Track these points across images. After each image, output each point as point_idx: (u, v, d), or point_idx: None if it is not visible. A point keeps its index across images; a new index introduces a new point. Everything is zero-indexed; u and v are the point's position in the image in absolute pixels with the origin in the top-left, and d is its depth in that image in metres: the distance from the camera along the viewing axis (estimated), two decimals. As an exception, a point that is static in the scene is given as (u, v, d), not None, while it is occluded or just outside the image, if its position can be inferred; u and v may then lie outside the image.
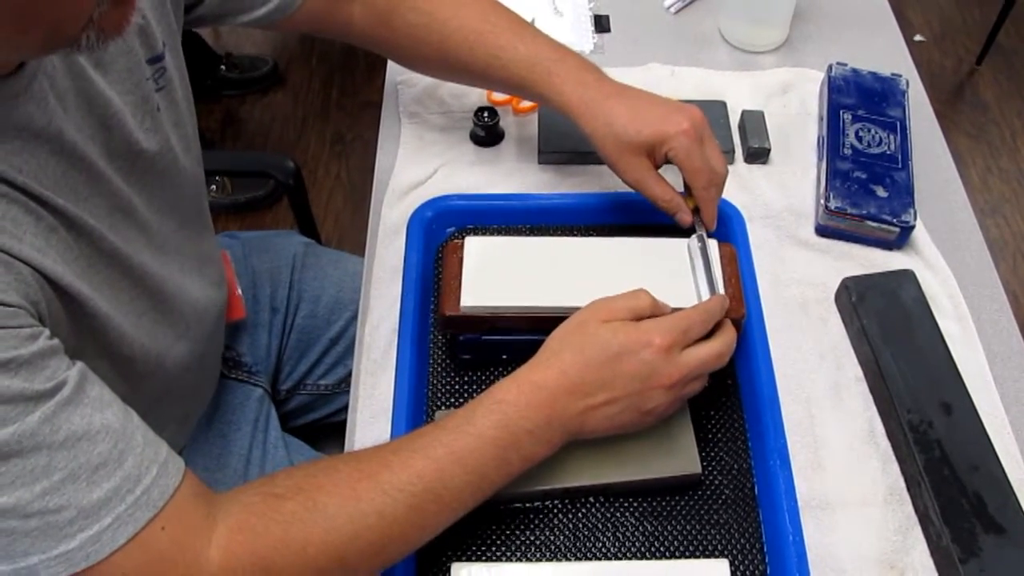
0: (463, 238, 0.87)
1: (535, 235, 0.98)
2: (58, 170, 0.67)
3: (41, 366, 0.61)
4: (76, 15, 0.57)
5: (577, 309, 0.78)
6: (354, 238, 2.12)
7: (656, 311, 0.77)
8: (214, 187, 2.16)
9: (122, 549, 0.62)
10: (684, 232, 0.88)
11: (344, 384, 1.19)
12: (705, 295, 0.82)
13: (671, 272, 0.85)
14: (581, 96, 0.89)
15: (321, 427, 1.22)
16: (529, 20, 1.22)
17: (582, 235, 0.98)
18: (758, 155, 1.06)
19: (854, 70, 1.10)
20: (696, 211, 0.89)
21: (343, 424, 0.89)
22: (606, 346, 0.73)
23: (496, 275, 0.85)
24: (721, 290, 0.83)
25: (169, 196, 0.84)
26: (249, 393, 1.10)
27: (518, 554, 0.79)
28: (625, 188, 0.98)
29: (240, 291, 1.11)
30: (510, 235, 0.98)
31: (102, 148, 0.73)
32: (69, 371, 0.63)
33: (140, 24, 0.77)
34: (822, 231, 1.00)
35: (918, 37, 2.61)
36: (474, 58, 0.94)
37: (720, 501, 0.81)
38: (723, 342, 0.77)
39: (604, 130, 0.88)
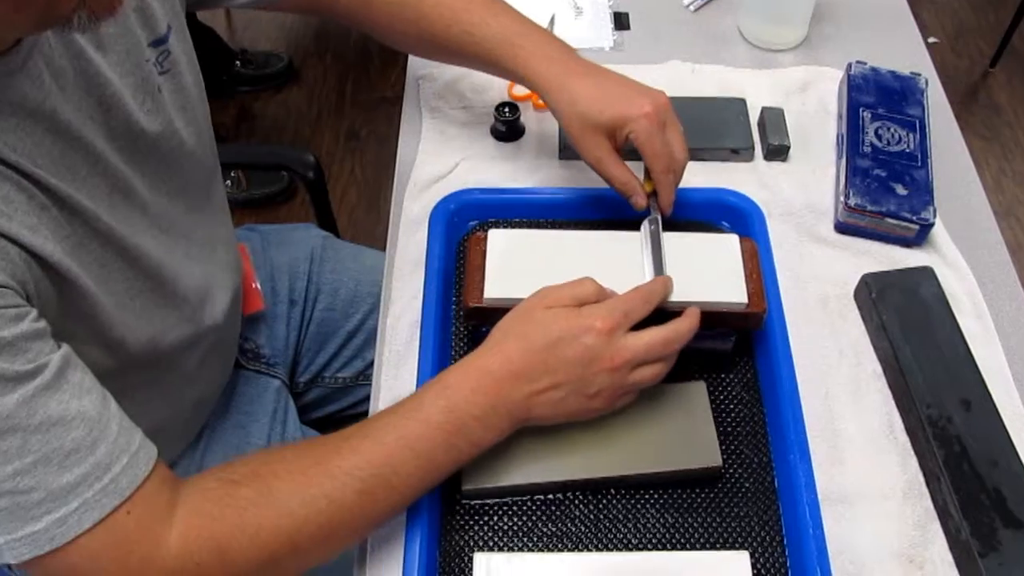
0: (486, 231, 0.88)
1: (556, 229, 0.98)
2: (54, 149, 0.68)
3: (23, 348, 0.61)
4: None
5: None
6: (369, 233, 2.13)
7: (601, 298, 0.78)
8: (229, 182, 2.16)
9: (87, 533, 0.63)
10: (709, 228, 0.89)
11: (362, 377, 1.20)
12: (651, 277, 0.83)
13: (690, 266, 0.85)
14: (548, 72, 0.91)
15: (339, 419, 1.22)
16: (549, 17, 1.23)
17: (603, 230, 0.98)
18: (778, 152, 1.07)
19: (874, 69, 1.11)
20: (654, 195, 0.90)
21: (361, 416, 0.89)
22: (548, 332, 0.75)
23: (519, 267, 0.85)
24: (667, 272, 0.83)
25: (176, 179, 0.84)
26: (267, 384, 1.11)
27: (539, 544, 0.80)
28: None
29: (259, 283, 1.12)
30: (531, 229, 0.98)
31: (102, 128, 0.73)
32: (52, 355, 0.63)
33: (139, 5, 0.78)
34: (842, 228, 1.01)
35: (932, 39, 2.61)
36: (449, 35, 0.95)
37: (740, 494, 0.82)
38: (672, 328, 0.78)
39: (569, 108, 0.89)
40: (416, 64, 1.17)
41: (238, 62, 2.45)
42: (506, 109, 1.07)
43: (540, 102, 1.12)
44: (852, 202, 0.98)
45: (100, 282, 0.73)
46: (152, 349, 0.82)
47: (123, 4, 0.62)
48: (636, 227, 0.97)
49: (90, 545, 0.64)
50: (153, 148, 0.80)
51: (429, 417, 0.73)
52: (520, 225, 0.99)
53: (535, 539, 0.80)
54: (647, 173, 0.90)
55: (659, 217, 0.89)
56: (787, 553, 0.79)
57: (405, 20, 0.97)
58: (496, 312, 0.84)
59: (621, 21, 1.24)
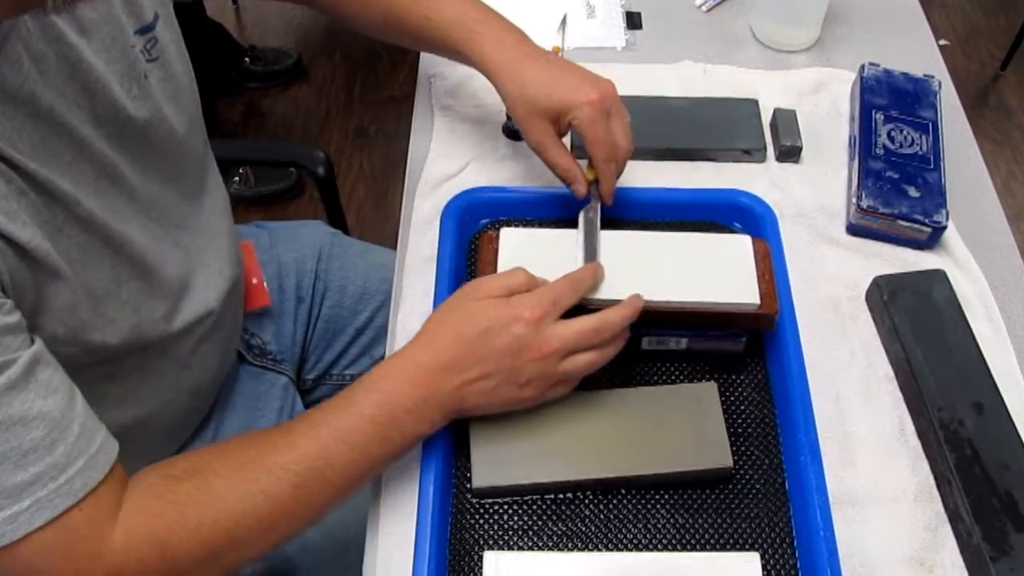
0: (498, 229, 0.88)
1: (568, 228, 0.98)
2: (35, 134, 0.68)
3: None
4: None
5: (614, 301, 0.79)
6: (376, 230, 2.13)
7: (532, 287, 0.78)
8: (237, 179, 2.17)
9: (38, 531, 0.64)
10: (721, 229, 0.89)
11: (369, 375, 1.20)
12: (581, 265, 0.84)
13: (702, 266, 0.85)
14: (499, 56, 0.91)
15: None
16: (561, 17, 1.23)
17: (614, 229, 0.98)
18: (790, 154, 1.06)
19: (886, 71, 1.10)
20: (596, 183, 0.90)
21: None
22: (477, 322, 0.76)
23: (530, 266, 0.85)
24: (598, 259, 0.84)
25: (168, 167, 0.84)
26: (274, 381, 1.11)
27: (550, 544, 0.80)
28: (657, 184, 0.99)
29: (266, 280, 1.11)
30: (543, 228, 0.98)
31: (87, 114, 0.73)
32: (21, 351, 0.63)
33: None
34: (853, 230, 1.01)
35: (943, 41, 2.60)
36: (410, 21, 0.96)
37: (751, 495, 0.82)
38: (601, 317, 0.78)
39: (516, 92, 0.90)
40: (428, 62, 1.17)
41: (247, 58, 2.45)
42: (518, 108, 1.07)
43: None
44: (864, 204, 0.98)
45: (81, 268, 0.73)
46: (138, 336, 0.82)
47: None
48: (645, 227, 0.97)
49: (40, 542, 0.64)
50: (142, 135, 0.79)
51: (362, 411, 0.74)
52: (532, 224, 0.99)
53: (545, 538, 0.80)
54: (590, 162, 0.91)
55: (598, 206, 0.90)
56: (797, 555, 0.79)
57: (373, 7, 0.99)
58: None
59: (633, 21, 1.24)
